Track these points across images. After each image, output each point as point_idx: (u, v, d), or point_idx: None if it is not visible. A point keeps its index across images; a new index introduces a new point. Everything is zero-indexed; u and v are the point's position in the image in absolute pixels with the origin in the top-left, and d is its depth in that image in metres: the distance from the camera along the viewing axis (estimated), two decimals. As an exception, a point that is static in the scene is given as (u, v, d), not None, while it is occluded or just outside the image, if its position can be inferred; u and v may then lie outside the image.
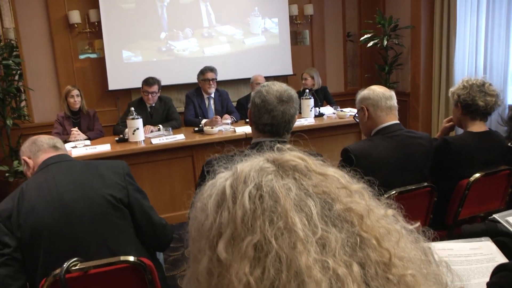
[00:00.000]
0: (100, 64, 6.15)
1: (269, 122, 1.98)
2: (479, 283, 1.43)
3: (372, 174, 2.36)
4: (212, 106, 5.40)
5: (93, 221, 1.89)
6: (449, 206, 2.65)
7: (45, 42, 5.98)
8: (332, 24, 7.35)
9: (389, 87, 6.44)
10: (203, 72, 5.28)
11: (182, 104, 5.94)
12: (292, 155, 0.77)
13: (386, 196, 2.17)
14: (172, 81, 6.25)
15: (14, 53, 5.67)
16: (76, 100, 4.82)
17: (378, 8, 6.92)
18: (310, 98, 5.08)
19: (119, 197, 1.96)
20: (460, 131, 2.88)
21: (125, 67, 6.16)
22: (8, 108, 5.58)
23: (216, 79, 5.31)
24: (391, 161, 2.36)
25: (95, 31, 6.07)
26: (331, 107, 5.57)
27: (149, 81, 4.97)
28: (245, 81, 6.46)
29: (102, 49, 6.09)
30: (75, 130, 4.55)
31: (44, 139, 2.15)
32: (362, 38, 6.71)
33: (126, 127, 4.47)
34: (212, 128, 4.58)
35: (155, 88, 4.97)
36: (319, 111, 5.27)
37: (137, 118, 4.33)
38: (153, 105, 5.10)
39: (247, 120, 4.86)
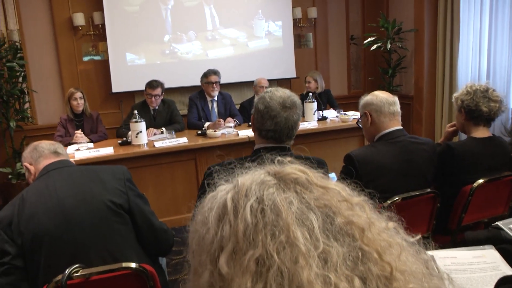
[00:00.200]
0: (104, 67, 6.17)
1: (272, 128, 1.98)
2: (482, 292, 1.43)
3: (375, 180, 2.38)
4: (215, 109, 5.41)
5: (93, 227, 1.89)
6: (453, 212, 2.64)
7: (49, 44, 6.01)
8: (335, 27, 7.35)
9: (392, 90, 6.52)
10: (206, 75, 5.28)
11: (186, 106, 5.94)
12: (293, 168, 0.77)
13: (389, 201, 2.16)
14: (176, 84, 6.26)
15: (18, 55, 5.69)
16: (79, 103, 4.82)
17: (382, 11, 6.91)
18: (313, 102, 5.07)
19: (119, 202, 1.95)
20: (463, 136, 2.87)
21: (129, 69, 6.17)
22: (12, 110, 5.59)
23: (219, 82, 5.31)
24: (394, 167, 2.35)
25: (99, 33, 6.09)
26: (334, 111, 5.57)
27: (152, 84, 4.97)
28: (249, 84, 6.46)
29: (106, 51, 6.11)
30: (78, 133, 4.56)
31: (45, 145, 2.16)
32: (365, 41, 6.71)
33: (129, 130, 4.47)
34: (215, 131, 4.58)
35: (158, 91, 4.98)
36: (322, 115, 5.26)
37: (140, 121, 4.33)
38: (156, 108, 5.10)
39: (250, 123, 4.86)
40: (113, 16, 6.01)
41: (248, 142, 4.46)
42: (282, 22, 6.83)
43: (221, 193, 0.75)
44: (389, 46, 6.46)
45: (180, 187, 4.51)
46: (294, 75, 6.97)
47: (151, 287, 1.84)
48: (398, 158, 2.37)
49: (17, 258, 1.81)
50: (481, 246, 1.66)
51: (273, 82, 6.74)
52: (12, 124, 5.48)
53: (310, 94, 5.25)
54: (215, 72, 5.27)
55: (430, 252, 1.60)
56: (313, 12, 7.01)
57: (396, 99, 2.49)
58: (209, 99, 5.37)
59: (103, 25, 6.01)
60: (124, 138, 4.55)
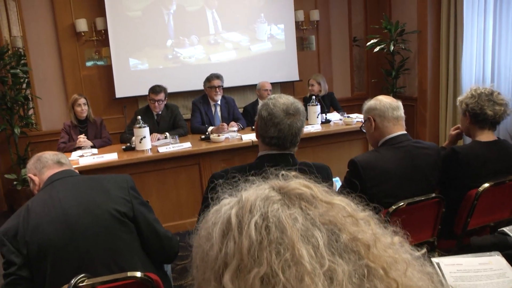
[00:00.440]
0: (107, 72, 6.19)
1: (276, 135, 1.97)
2: (489, 300, 1.41)
3: (380, 185, 2.37)
4: (219, 113, 5.41)
5: (98, 236, 1.89)
6: (458, 216, 2.62)
7: (53, 50, 6.03)
8: (338, 29, 7.35)
9: (396, 92, 6.50)
10: (209, 79, 5.28)
11: (189, 111, 5.94)
12: (298, 183, 0.76)
13: (394, 207, 2.15)
14: (179, 88, 6.27)
15: (22, 61, 5.71)
16: (83, 109, 4.83)
17: (385, 13, 6.91)
18: (317, 105, 5.06)
19: (123, 211, 1.96)
20: (468, 140, 2.85)
21: (132, 74, 6.19)
22: (16, 117, 5.61)
23: (222, 86, 5.31)
24: (398, 172, 2.34)
25: (102, 39, 6.10)
26: (337, 113, 5.56)
27: (155, 89, 4.98)
28: (252, 88, 6.46)
29: (109, 57, 6.13)
30: (81, 137, 4.56)
31: (49, 156, 2.17)
32: (368, 43, 6.70)
33: (133, 135, 4.48)
34: (218, 136, 4.58)
35: (161, 96, 4.98)
36: (326, 118, 5.26)
37: (144, 127, 4.34)
38: (160, 113, 5.11)
39: (254, 127, 4.86)
40: (115, 21, 6.02)
41: (252, 146, 4.46)
42: (285, 25, 6.84)
43: (225, 207, 0.74)
44: (392, 48, 6.45)
45: (184, 192, 4.51)
46: (297, 78, 6.97)
47: (156, 296, 1.84)
48: (403, 163, 2.36)
49: (23, 269, 1.82)
50: (488, 253, 1.64)
51: (276, 85, 6.74)
52: (17, 130, 5.50)
53: (314, 97, 5.24)
54: (218, 76, 5.27)
55: (435, 259, 1.60)
56: (315, 15, 7.01)
57: (399, 103, 2.48)
58: (212, 103, 5.38)
59: (106, 30, 6.02)
60: (128, 144, 4.56)
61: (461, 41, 5.82)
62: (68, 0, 5.94)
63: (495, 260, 1.61)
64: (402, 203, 2.28)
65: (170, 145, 4.44)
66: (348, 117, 5.20)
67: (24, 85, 5.75)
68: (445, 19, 6.01)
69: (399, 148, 2.39)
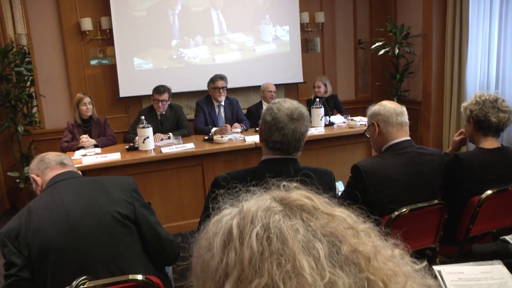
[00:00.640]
0: (111, 71, 6.20)
1: (280, 140, 1.97)
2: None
3: (383, 191, 2.37)
4: (222, 114, 5.41)
5: (100, 238, 1.90)
6: (460, 222, 2.62)
7: (57, 49, 6.04)
8: (343, 31, 7.34)
9: (400, 95, 6.49)
10: (213, 80, 5.29)
11: (193, 111, 5.95)
12: (299, 194, 0.77)
13: (397, 213, 2.15)
14: (183, 89, 6.28)
15: (26, 59, 5.72)
16: (89, 108, 4.84)
17: (390, 16, 6.90)
18: (321, 107, 5.06)
19: (125, 213, 1.96)
20: (472, 146, 2.85)
21: (136, 74, 6.20)
22: (20, 115, 5.63)
23: (226, 87, 5.32)
24: (401, 178, 2.34)
25: (106, 38, 6.12)
26: (341, 116, 5.55)
27: (159, 89, 4.98)
28: (256, 89, 6.47)
29: (113, 56, 6.14)
30: (84, 137, 4.57)
31: (52, 156, 2.17)
32: (373, 46, 6.69)
33: (136, 135, 4.48)
34: (222, 137, 4.58)
35: (165, 96, 4.99)
36: (329, 120, 5.25)
37: (148, 127, 4.34)
38: (164, 113, 5.11)
39: (257, 128, 4.87)
40: (120, 21, 6.03)
41: (255, 148, 4.46)
42: (290, 26, 6.84)
43: (226, 217, 0.74)
44: (397, 51, 6.44)
45: (186, 193, 4.51)
46: (301, 80, 6.96)
47: (157, 299, 1.84)
48: (406, 169, 2.36)
49: (24, 270, 1.82)
50: (489, 262, 1.64)
51: (280, 87, 6.75)
52: (20, 128, 5.51)
53: (318, 99, 5.24)
54: (222, 77, 5.28)
55: (437, 267, 1.59)
56: (320, 17, 7.00)
57: (404, 109, 2.48)
58: (216, 104, 5.38)
59: (111, 30, 6.03)
60: (131, 144, 4.57)
61: (466, 45, 5.80)
62: (73, -2, 5.97)
63: (497, 269, 1.61)
64: (404, 209, 2.28)
65: (173, 146, 4.44)
66: (352, 120, 5.19)
67: (28, 83, 5.76)
68: (451, 23, 6.00)
69: (402, 154, 2.39)
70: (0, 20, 5.68)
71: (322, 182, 2.09)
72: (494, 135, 2.64)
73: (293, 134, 1.97)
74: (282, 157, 2.03)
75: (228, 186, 0.87)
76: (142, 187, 4.15)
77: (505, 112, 2.57)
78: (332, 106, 6.00)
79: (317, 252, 0.66)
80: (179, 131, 5.02)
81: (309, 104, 5.73)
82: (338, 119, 5.43)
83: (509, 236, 1.89)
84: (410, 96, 6.88)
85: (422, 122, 6.64)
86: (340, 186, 2.88)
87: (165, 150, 4.34)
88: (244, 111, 5.80)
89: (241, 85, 6.58)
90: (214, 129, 5.03)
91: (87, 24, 5.94)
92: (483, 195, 2.49)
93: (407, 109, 2.57)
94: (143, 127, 4.33)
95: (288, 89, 7.06)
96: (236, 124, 5.14)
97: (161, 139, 4.75)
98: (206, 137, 4.76)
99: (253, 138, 4.56)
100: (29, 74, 5.75)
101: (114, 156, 4.21)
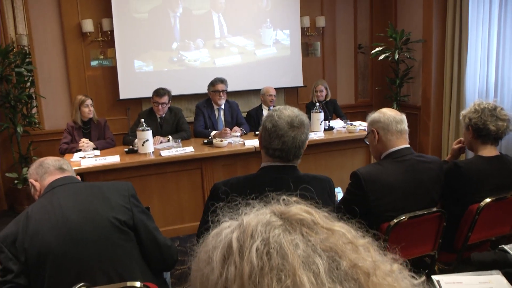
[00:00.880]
0: (111, 73, 6.20)
1: (279, 147, 1.97)
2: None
3: (382, 198, 2.37)
4: (222, 118, 5.41)
5: (98, 244, 1.89)
6: (459, 230, 2.62)
7: (58, 50, 6.04)
8: (343, 36, 7.36)
9: (399, 100, 6.50)
10: (213, 83, 5.29)
11: (192, 114, 5.95)
12: (299, 208, 0.77)
13: (396, 220, 2.15)
14: (183, 91, 6.28)
15: (27, 60, 5.72)
16: (90, 110, 4.84)
17: (390, 21, 6.92)
18: (321, 112, 5.06)
19: (123, 219, 1.95)
20: (471, 154, 2.85)
21: (137, 76, 6.20)
22: (19, 115, 5.62)
23: (226, 90, 5.32)
24: (401, 185, 2.34)
25: (107, 40, 6.12)
26: (341, 121, 5.56)
27: (159, 92, 4.98)
28: (256, 92, 6.47)
29: (114, 58, 6.14)
30: (85, 142, 4.56)
31: (51, 161, 2.16)
32: (373, 51, 6.70)
33: (136, 137, 4.48)
34: (221, 140, 4.58)
35: (165, 99, 4.99)
36: (329, 125, 5.25)
37: (147, 130, 4.34)
38: (163, 115, 5.11)
39: (257, 132, 4.88)
40: (122, 23, 6.04)
41: (254, 152, 4.46)
42: (290, 30, 6.85)
43: (226, 231, 0.75)
44: (397, 56, 6.46)
45: (185, 196, 4.51)
46: (301, 84, 6.97)
47: (155, 306, 1.84)
48: (405, 177, 2.36)
49: (20, 276, 1.81)
50: (488, 272, 1.64)
51: (280, 91, 6.75)
52: (19, 129, 5.51)
53: (317, 104, 5.24)
54: (222, 81, 5.28)
55: (436, 277, 1.60)
56: (321, 21, 7.02)
57: (403, 117, 2.48)
58: (216, 107, 5.38)
59: (112, 31, 6.04)
60: (131, 146, 4.57)
61: (465, 52, 5.82)
62: (75, 0, 5.97)
63: (495, 279, 1.61)
64: (404, 217, 2.28)
65: (173, 149, 4.44)
66: (352, 124, 5.19)
67: (28, 84, 5.75)
68: (450, 29, 6.01)
69: (402, 161, 2.39)
70: (1, 20, 5.68)
71: (321, 190, 2.09)
72: (493, 143, 2.65)
73: (293, 142, 1.97)
74: (281, 165, 2.03)
75: (228, 199, 0.87)
76: (141, 190, 4.16)
77: (504, 120, 2.58)
78: (331, 110, 6.01)
79: (317, 268, 0.67)
80: (179, 134, 5.02)
81: (308, 108, 5.73)
82: (337, 123, 5.43)
83: (508, 246, 1.89)
84: (409, 101, 6.89)
85: (421, 127, 6.64)
86: (339, 193, 2.87)
87: (164, 153, 4.34)
88: (244, 115, 5.80)
89: (241, 88, 6.59)
90: (213, 132, 5.03)
91: (88, 25, 5.95)
92: (482, 203, 2.49)
93: (406, 114, 2.57)
94: (143, 130, 4.33)
95: (287, 93, 7.07)
96: (235, 128, 5.14)
97: (161, 142, 4.74)
98: (206, 141, 4.76)
99: (253, 142, 4.56)
100: (29, 74, 5.75)
101: (113, 159, 4.20)
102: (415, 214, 2.32)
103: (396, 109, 6.45)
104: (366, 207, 2.29)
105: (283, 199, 0.81)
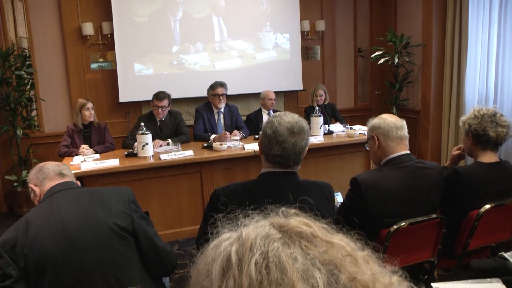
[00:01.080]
0: (111, 76, 6.20)
1: (279, 154, 1.97)
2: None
3: (382, 204, 2.37)
4: (222, 121, 5.41)
5: (98, 250, 1.88)
6: (459, 236, 2.62)
7: (58, 53, 6.05)
8: (343, 40, 7.37)
9: (399, 104, 6.50)
10: (213, 87, 5.29)
11: (192, 117, 5.96)
12: (298, 221, 0.76)
13: (395, 226, 2.14)
14: (183, 95, 6.29)
15: (27, 62, 5.72)
16: (91, 113, 4.84)
17: (390, 25, 6.92)
18: (320, 116, 5.06)
19: (123, 225, 1.95)
20: (470, 160, 2.85)
21: (137, 79, 6.20)
22: (19, 118, 5.61)
23: (226, 94, 5.32)
24: (400, 192, 2.34)
25: (107, 43, 6.13)
26: (340, 125, 5.56)
27: (159, 96, 4.98)
28: (255, 96, 6.47)
29: (114, 61, 6.14)
30: (85, 148, 4.54)
31: (51, 166, 2.15)
32: (373, 55, 6.71)
33: (135, 140, 4.48)
34: (221, 144, 4.58)
35: (165, 102, 4.99)
36: (329, 129, 5.25)
37: (147, 133, 4.34)
38: (163, 119, 5.11)
39: (257, 136, 4.88)
40: (122, 26, 6.04)
41: (254, 156, 4.46)
42: (290, 34, 6.85)
43: (225, 243, 0.74)
44: (396, 60, 6.46)
45: (185, 199, 4.50)
46: (301, 88, 6.98)
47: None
48: (405, 183, 2.36)
49: (19, 282, 1.80)
50: (488, 279, 1.64)
51: (280, 94, 6.76)
52: (19, 132, 5.51)
53: (317, 108, 5.24)
54: (222, 84, 5.28)
55: (435, 285, 1.59)
56: (321, 25, 7.02)
57: (404, 123, 2.48)
58: (215, 111, 5.38)
59: (112, 35, 6.04)
60: (130, 150, 4.56)
61: (465, 56, 5.83)
62: (75, 3, 5.97)
63: (495, 287, 1.61)
64: (403, 223, 2.28)
65: (172, 153, 4.44)
66: (351, 128, 5.19)
67: (28, 87, 5.75)
68: (450, 33, 6.02)
69: (402, 168, 2.39)
70: (2, 22, 5.68)
71: (321, 196, 2.09)
72: (493, 149, 2.65)
73: (293, 148, 1.97)
74: (281, 171, 2.03)
75: (227, 210, 0.86)
76: (141, 193, 4.15)
77: (504, 126, 2.58)
78: (330, 114, 6.02)
79: (316, 281, 0.66)
80: (178, 137, 5.02)
81: (308, 112, 5.73)
82: (337, 127, 5.43)
83: (508, 253, 1.89)
84: (409, 105, 6.90)
85: (420, 131, 6.65)
86: (338, 199, 2.87)
87: (164, 157, 4.33)
88: (244, 118, 5.80)
89: (241, 92, 6.60)
90: (213, 136, 5.03)
91: (88, 28, 5.95)
92: (482, 209, 2.49)
93: (406, 118, 2.57)
94: (143, 134, 4.33)
95: (287, 97, 7.08)
96: (235, 132, 5.14)
97: (160, 146, 4.74)
98: (205, 144, 4.76)
99: (252, 146, 4.56)
100: (29, 77, 5.74)
101: (112, 162, 4.20)
102: (415, 221, 2.31)
103: (395, 113, 6.50)
104: (366, 213, 2.28)
105: (282, 211, 0.81)
